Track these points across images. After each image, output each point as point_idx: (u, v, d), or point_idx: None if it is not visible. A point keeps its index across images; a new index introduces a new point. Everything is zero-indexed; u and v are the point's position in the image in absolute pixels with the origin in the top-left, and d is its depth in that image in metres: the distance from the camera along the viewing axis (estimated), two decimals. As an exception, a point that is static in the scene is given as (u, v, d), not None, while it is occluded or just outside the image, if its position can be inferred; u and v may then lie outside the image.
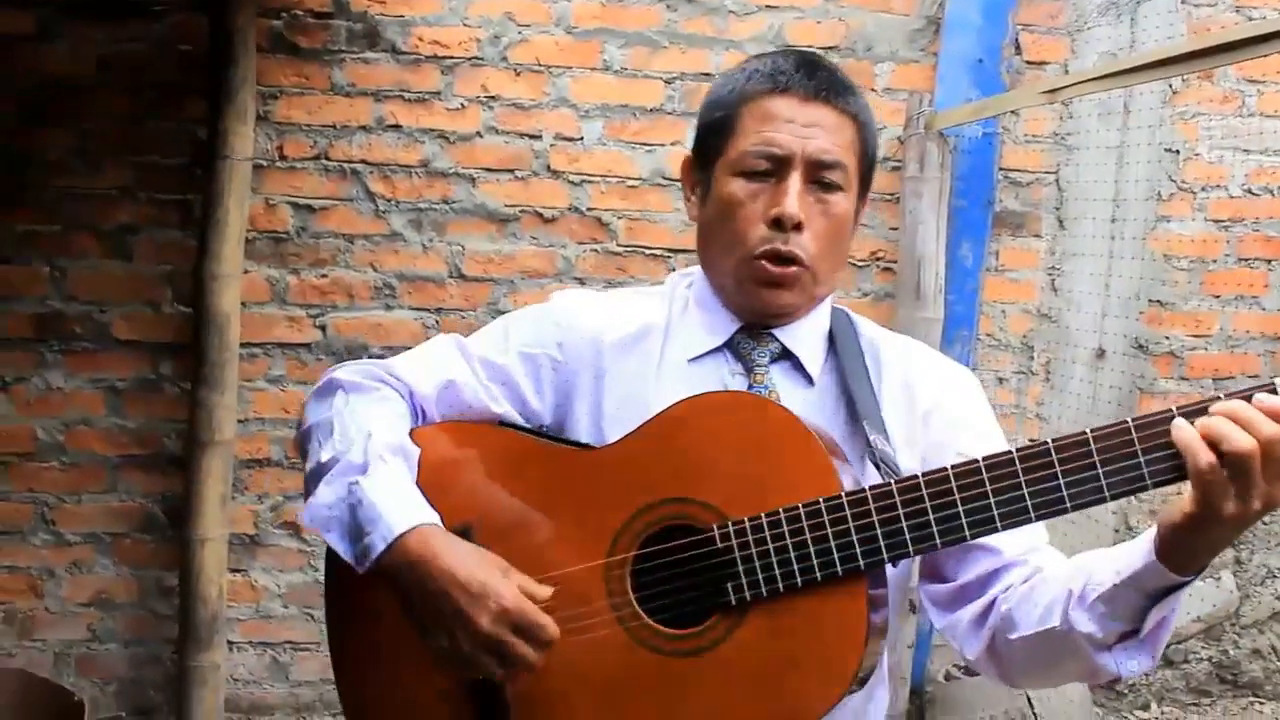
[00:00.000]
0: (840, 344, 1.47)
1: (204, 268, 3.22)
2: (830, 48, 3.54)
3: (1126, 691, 4.02)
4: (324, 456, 1.38)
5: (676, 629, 1.30)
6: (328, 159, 3.39)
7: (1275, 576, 4.09)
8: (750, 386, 1.43)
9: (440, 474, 1.40)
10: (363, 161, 3.40)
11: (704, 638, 1.29)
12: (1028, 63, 3.69)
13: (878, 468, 1.33)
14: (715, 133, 1.44)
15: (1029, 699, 3.45)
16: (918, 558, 1.42)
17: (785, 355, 1.46)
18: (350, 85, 3.37)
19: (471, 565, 1.28)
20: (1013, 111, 3.58)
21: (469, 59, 3.41)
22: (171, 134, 3.31)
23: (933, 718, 3.62)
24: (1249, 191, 3.87)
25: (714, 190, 1.44)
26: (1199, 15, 3.71)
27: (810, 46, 3.50)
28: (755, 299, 1.43)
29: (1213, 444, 1.09)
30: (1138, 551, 1.20)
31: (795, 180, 1.38)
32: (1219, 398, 1.12)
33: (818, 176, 1.39)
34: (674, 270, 3.42)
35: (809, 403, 1.43)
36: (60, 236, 3.31)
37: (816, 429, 1.31)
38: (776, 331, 1.46)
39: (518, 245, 3.49)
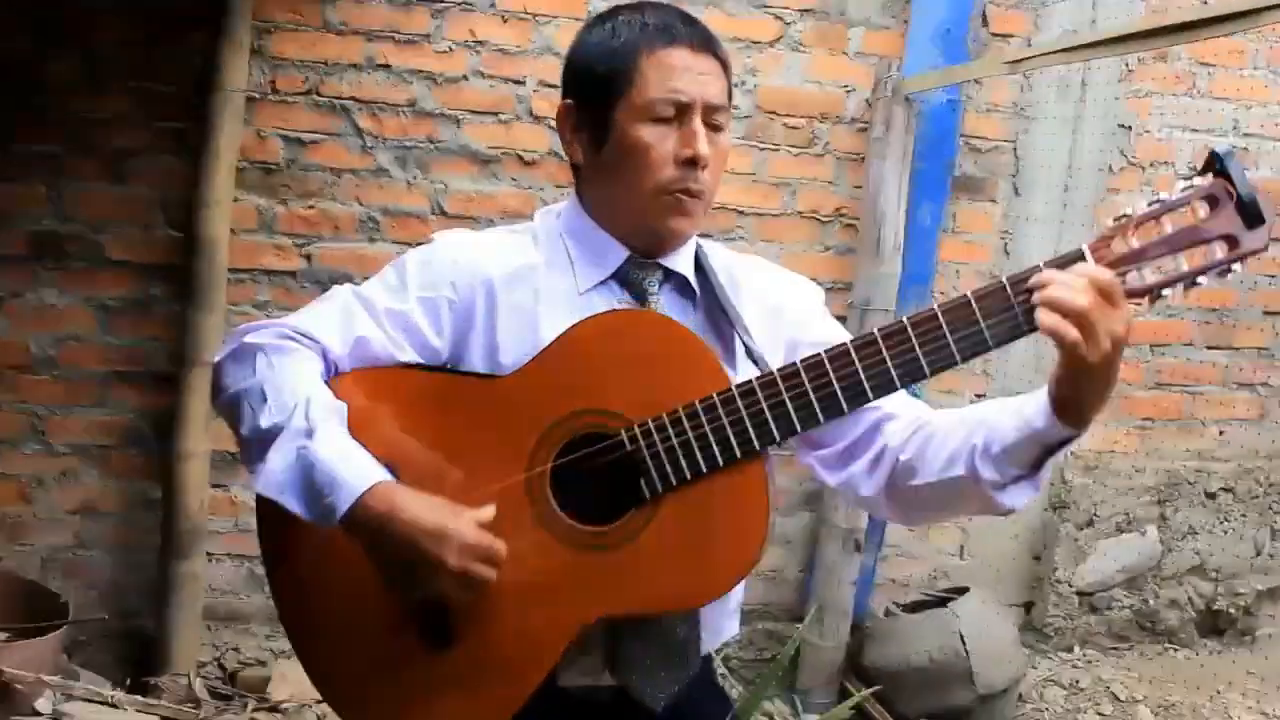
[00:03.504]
0: (705, 267, 1.58)
1: (196, 194, 3.22)
2: (807, 10, 3.58)
3: (1052, 635, 4.12)
4: (264, 423, 1.42)
5: (597, 526, 1.41)
6: (318, 94, 3.38)
7: (1196, 533, 4.19)
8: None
9: (360, 420, 1.45)
10: (352, 99, 3.39)
11: (623, 530, 1.40)
12: (993, 35, 3.72)
13: (756, 363, 1.46)
14: (610, 80, 1.50)
15: (962, 638, 3.52)
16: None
17: (668, 279, 1.56)
18: (343, 24, 3.35)
19: (431, 512, 1.37)
20: (976, 80, 3.64)
21: (458, 4, 3.40)
22: (171, 62, 3.27)
23: (871, 650, 3.68)
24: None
25: (616, 134, 1.50)
26: (1158, -4, 3.69)
27: (787, 8, 3.58)
28: (664, 228, 1.52)
29: (1062, 311, 1.23)
30: (1037, 410, 1.33)
31: (699, 124, 1.48)
32: (1039, 268, 1.28)
33: (710, 119, 1.49)
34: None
35: (691, 318, 1.55)
36: (60, 158, 3.29)
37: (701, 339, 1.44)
38: (662, 260, 1.55)
39: (498, 186, 3.50)
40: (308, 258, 3.47)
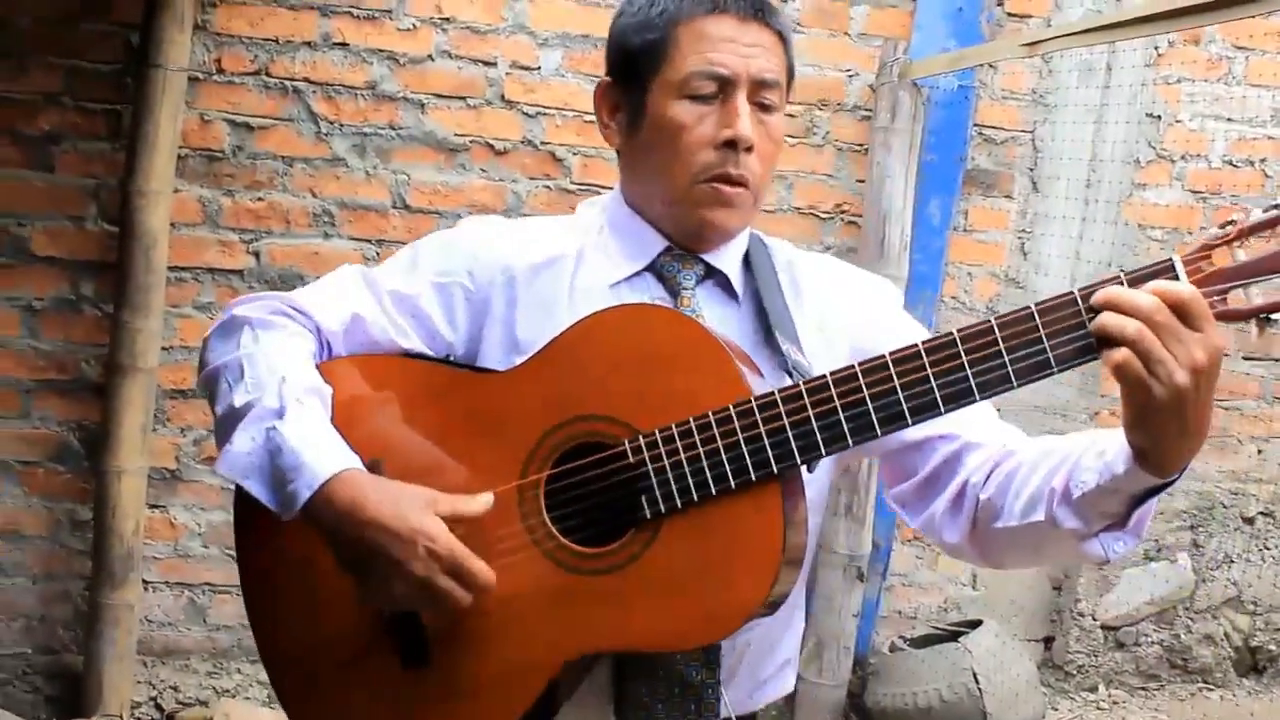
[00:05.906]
0: (755, 264, 1.55)
1: (132, 183, 3.21)
2: (804, -13, 3.60)
3: (1075, 673, 4.14)
4: (237, 401, 1.44)
5: (594, 547, 1.36)
6: (269, 75, 3.40)
7: (1233, 561, 4.22)
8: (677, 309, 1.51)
9: (348, 409, 1.47)
10: (306, 80, 3.42)
11: (620, 554, 1.35)
12: (1009, 14, 3.74)
13: (789, 375, 1.39)
14: (645, 55, 1.49)
15: (975, 675, 3.58)
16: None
17: (709, 275, 1.53)
18: (296, -2, 3.40)
19: (399, 507, 1.34)
20: (990, 65, 3.64)
21: (424, -24, 3.46)
22: (103, 37, 3.28)
23: (875, 689, 3.72)
24: (1229, 163, 3.95)
25: (651, 114, 1.49)
26: (1190, -27, 3.83)
27: (784, -15, 3.62)
28: (702, 220, 1.48)
29: (1114, 337, 1.16)
30: (1118, 454, 1.25)
31: (743, 102, 1.44)
32: (1118, 277, 1.19)
33: (759, 97, 1.46)
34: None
35: (731, 321, 1.50)
36: (-24, 142, 3.31)
37: (725, 339, 1.36)
38: (704, 255, 1.53)
39: (466, 177, 3.53)
40: (255, 255, 3.47)
